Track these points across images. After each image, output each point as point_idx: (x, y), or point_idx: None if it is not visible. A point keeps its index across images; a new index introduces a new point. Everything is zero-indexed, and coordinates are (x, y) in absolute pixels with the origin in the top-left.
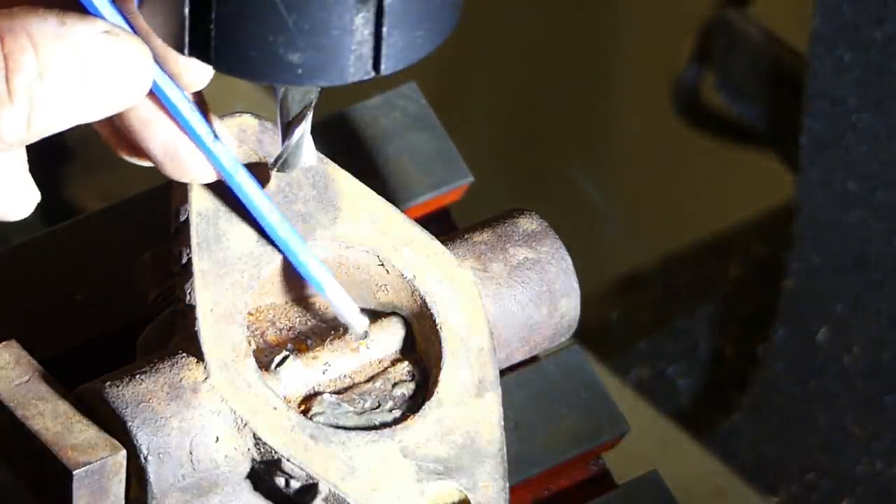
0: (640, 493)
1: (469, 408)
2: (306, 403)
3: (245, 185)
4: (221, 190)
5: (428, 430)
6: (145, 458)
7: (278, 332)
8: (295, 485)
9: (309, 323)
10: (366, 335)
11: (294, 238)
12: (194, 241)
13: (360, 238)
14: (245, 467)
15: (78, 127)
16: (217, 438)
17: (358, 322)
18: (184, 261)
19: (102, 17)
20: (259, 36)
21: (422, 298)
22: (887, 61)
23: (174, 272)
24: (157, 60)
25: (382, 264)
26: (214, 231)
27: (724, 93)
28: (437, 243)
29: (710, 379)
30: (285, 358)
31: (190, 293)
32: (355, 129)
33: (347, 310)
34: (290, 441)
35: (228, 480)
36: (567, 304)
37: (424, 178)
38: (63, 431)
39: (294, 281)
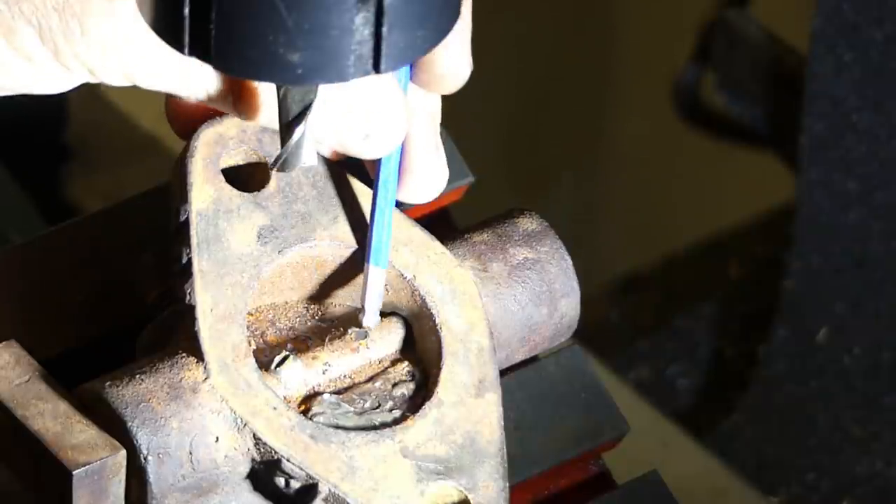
0: (640, 493)
1: (469, 408)
2: (306, 403)
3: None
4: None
5: (428, 430)
6: (145, 458)
7: (278, 332)
8: (295, 485)
9: (309, 323)
10: (366, 335)
11: (390, 213)
12: (194, 241)
13: (360, 238)
14: (245, 467)
15: (78, 127)
16: (217, 439)
17: (371, 318)
18: (184, 261)
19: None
20: (259, 35)
21: (421, 298)
22: (887, 61)
23: (174, 272)
24: None
25: None
26: (214, 231)
27: (724, 93)
28: (437, 243)
29: (710, 379)
30: (285, 358)
31: (190, 293)
32: None
33: (373, 300)
34: (290, 441)
35: (228, 480)
36: (567, 304)
37: None
38: (63, 431)
39: (294, 281)
